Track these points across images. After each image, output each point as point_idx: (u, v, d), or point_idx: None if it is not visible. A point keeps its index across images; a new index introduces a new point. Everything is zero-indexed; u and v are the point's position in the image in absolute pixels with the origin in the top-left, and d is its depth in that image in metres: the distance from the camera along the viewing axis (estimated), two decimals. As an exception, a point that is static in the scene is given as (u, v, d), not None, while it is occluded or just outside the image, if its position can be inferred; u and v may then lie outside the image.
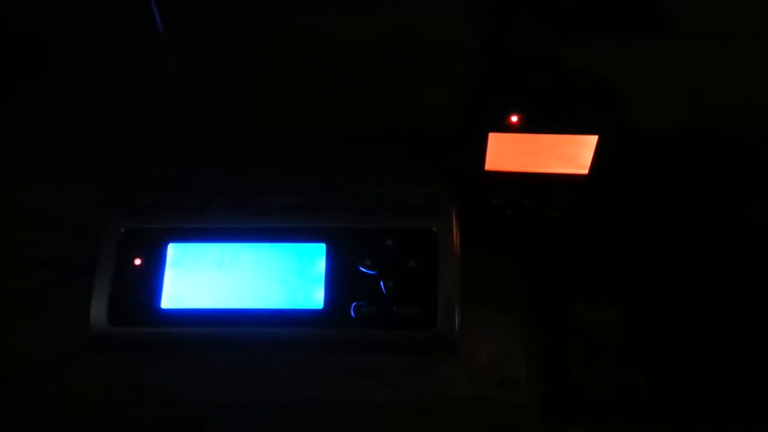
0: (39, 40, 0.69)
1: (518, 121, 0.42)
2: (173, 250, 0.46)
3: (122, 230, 0.46)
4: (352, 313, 0.44)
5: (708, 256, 0.49)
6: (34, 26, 0.71)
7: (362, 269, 0.45)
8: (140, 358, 0.46)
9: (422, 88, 0.60)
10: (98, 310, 0.44)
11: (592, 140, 0.42)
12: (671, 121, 0.58)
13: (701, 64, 0.64)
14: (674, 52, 0.66)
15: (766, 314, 0.46)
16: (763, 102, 0.60)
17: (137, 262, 0.45)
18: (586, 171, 0.44)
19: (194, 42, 0.64)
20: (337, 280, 0.45)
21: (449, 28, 0.63)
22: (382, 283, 0.44)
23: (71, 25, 0.70)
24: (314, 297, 0.44)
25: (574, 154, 0.43)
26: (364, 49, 0.65)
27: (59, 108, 0.63)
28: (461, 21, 0.55)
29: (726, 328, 0.46)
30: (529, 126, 0.42)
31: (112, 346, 0.45)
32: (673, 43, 0.67)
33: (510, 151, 0.44)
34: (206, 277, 0.45)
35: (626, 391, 0.43)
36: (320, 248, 0.45)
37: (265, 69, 0.64)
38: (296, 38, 0.68)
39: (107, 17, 0.70)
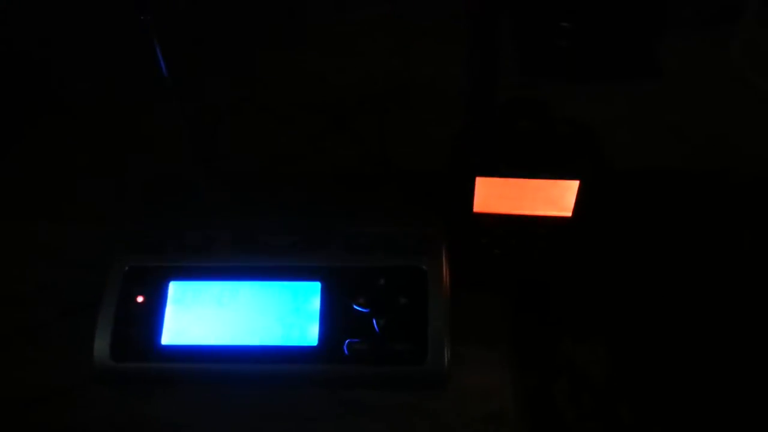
0: (46, 78, 0.72)
1: (503, 166, 0.44)
2: (174, 288, 0.48)
3: (126, 268, 0.48)
4: (345, 349, 0.45)
5: (690, 294, 0.51)
6: (44, 67, 0.74)
7: (356, 307, 0.46)
8: (141, 391, 0.47)
9: (416, 131, 0.63)
10: (101, 346, 0.46)
11: (574, 185, 0.44)
12: (656, 162, 0.60)
13: (686, 106, 0.66)
14: (660, 94, 0.68)
15: (750, 352, 0.48)
16: (744, 144, 0.62)
17: (140, 299, 0.47)
18: (569, 213, 0.46)
19: (198, 87, 0.67)
20: (331, 317, 0.46)
21: (442, 73, 0.66)
22: (374, 320, 0.46)
23: (80, 64, 0.73)
24: (309, 334, 0.46)
25: (557, 197, 0.45)
26: (360, 93, 0.68)
27: (66, 147, 0.66)
28: (454, 66, 0.58)
29: (710, 365, 0.47)
30: (514, 171, 0.44)
31: (113, 380, 0.46)
32: (660, 86, 0.69)
33: (497, 194, 0.46)
34: (205, 314, 0.47)
35: (611, 427, 0.44)
36: (315, 287, 0.47)
37: (265, 113, 0.67)
38: (295, 83, 0.70)
39: (117, 59, 0.73)
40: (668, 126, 0.64)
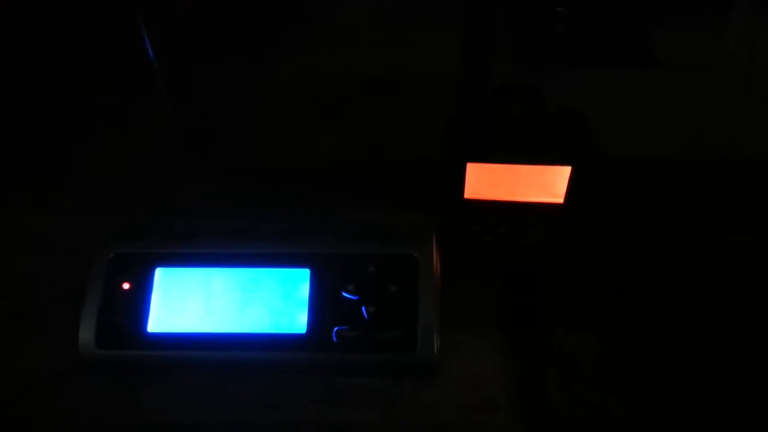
0: (43, 74, 0.71)
1: (495, 151, 0.43)
2: (160, 274, 0.47)
3: (111, 255, 0.47)
4: (334, 337, 0.45)
5: (680, 282, 0.50)
6: (40, 61, 0.73)
7: (345, 294, 0.46)
8: (127, 380, 0.47)
9: (409, 120, 0.62)
10: (86, 334, 0.45)
11: (566, 171, 0.43)
12: (649, 150, 0.60)
13: (680, 94, 0.66)
14: (654, 82, 0.68)
15: (738, 340, 0.48)
16: (736, 132, 0.62)
17: (126, 286, 0.47)
18: (561, 200, 0.45)
19: (192, 77, 0.66)
20: (320, 304, 0.46)
21: (435, 63, 0.66)
22: (363, 308, 0.45)
23: (77, 60, 0.72)
24: (298, 321, 0.45)
25: (549, 183, 0.44)
26: (353, 82, 0.67)
27: (61, 139, 0.65)
28: (446, 56, 0.57)
29: (697, 353, 0.47)
30: (505, 157, 0.43)
31: (99, 368, 0.46)
32: (653, 73, 0.69)
33: (488, 181, 0.45)
34: (192, 301, 0.46)
35: (600, 413, 0.44)
36: (304, 273, 0.47)
37: (260, 105, 0.66)
38: (288, 73, 0.70)
39: (110, 52, 0.72)
40: (661, 113, 0.64)
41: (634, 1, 0.69)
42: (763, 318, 0.48)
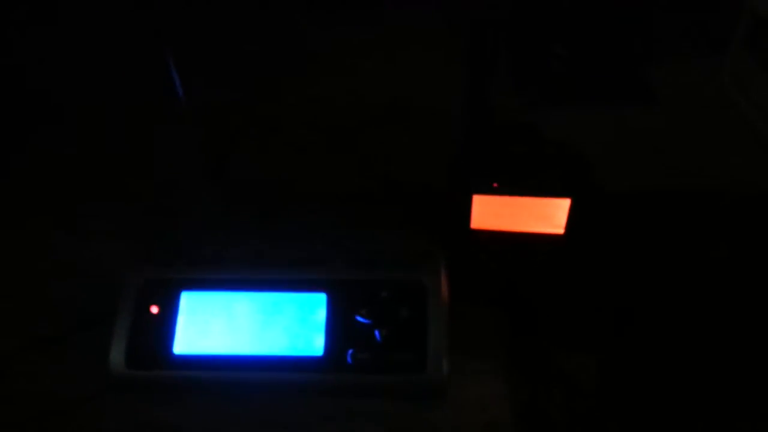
0: (58, 93, 0.75)
1: (498, 185, 0.46)
2: (186, 298, 0.50)
3: (141, 281, 0.51)
4: (349, 359, 0.48)
5: (677, 308, 0.53)
6: (57, 84, 0.77)
7: (359, 318, 0.49)
8: (154, 398, 0.49)
9: (417, 151, 0.66)
10: (117, 355, 0.48)
11: (566, 203, 0.46)
12: (646, 183, 0.63)
13: (677, 131, 0.69)
14: (652, 119, 0.71)
15: (735, 364, 0.50)
16: (732, 168, 0.64)
17: (154, 310, 0.50)
18: (561, 230, 0.48)
19: (209, 109, 0.70)
20: (335, 328, 0.48)
21: (440, 96, 0.69)
22: (376, 331, 0.48)
23: (94, 83, 0.77)
24: (315, 344, 0.48)
25: (550, 215, 0.48)
26: (363, 114, 0.71)
27: (79, 163, 0.68)
28: (450, 90, 0.61)
29: (695, 375, 0.49)
30: (508, 189, 0.47)
31: (128, 388, 0.49)
32: (651, 110, 0.72)
33: (493, 212, 0.48)
34: (216, 323, 0.49)
35: (601, 434, 0.46)
36: (321, 298, 0.50)
37: (275, 135, 0.70)
38: (300, 105, 0.73)
39: (134, 79, 0.76)
40: (659, 150, 0.67)
41: (628, 40, 0.73)
42: (759, 338, 0.50)
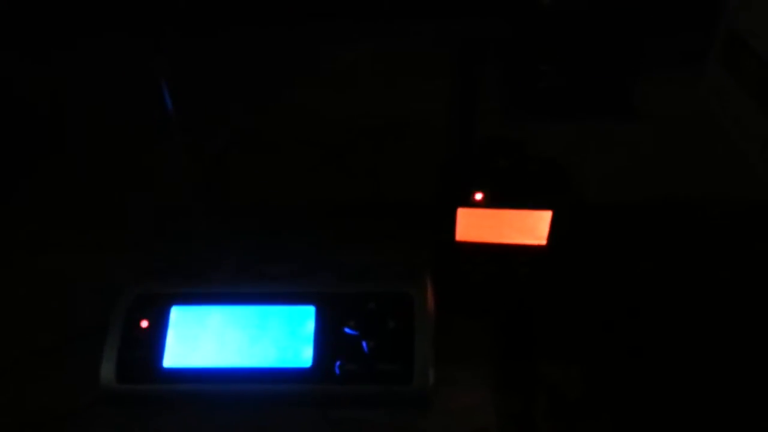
0: (56, 121, 0.77)
1: (482, 198, 0.48)
2: (175, 312, 0.51)
3: (131, 296, 0.51)
4: (337, 370, 0.48)
5: (657, 317, 0.54)
6: (50, 109, 0.79)
7: (347, 330, 0.50)
8: (144, 412, 0.50)
9: (406, 165, 0.67)
10: (107, 368, 0.49)
11: (547, 215, 0.48)
12: (626, 196, 0.65)
13: (657, 142, 0.71)
14: (634, 132, 0.73)
15: (715, 368, 0.51)
16: (711, 180, 0.66)
17: (144, 324, 0.50)
18: (544, 242, 0.49)
19: (200, 124, 0.71)
20: (324, 339, 0.49)
21: (432, 109, 0.71)
22: (364, 342, 0.49)
23: (88, 107, 0.78)
24: (303, 355, 0.49)
25: (532, 227, 0.49)
26: (353, 128, 0.72)
27: (77, 183, 0.69)
28: (439, 107, 0.62)
29: (677, 383, 0.50)
30: (491, 202, 0.48)
31: (119, 401, 0.49)
32: (633, 124, 0.74)
33: (477, 225, 0.49)
34: (205, 337, 0.50)
35: (585, 441, 0.47)
36: (309, 311, 0.50)
37: (264, 148, 0.71)
38: (292, 119, 0.75)
39: (122, 100, 0.77)
40: (639, 161, 0.69)
41: (614, 59, 0.75)
42: (744, 349, 0.52)
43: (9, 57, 0.85)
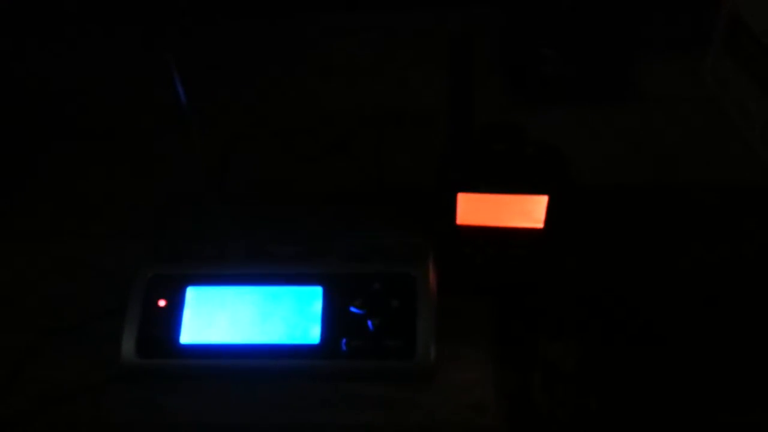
0: (68, 109, 0.79)
1: (482, 183, 0.50)
2: (191, 292, 0.54)
3: (149, 276, 0.54)
4: (344, 347, 0.51)
5: (651, 295, 0.56)
6: (65, 93, 0.81)
7: (353, 309, 0.52)
8: (161, 385, 0.53)
9: (408, 152, 0.69)
10: (128, 345, 0.52)
11: (544, 199, 0.49)
12: (625, 179, 0.66)
13: (658, 125, 0.72)
14: (636, 115, 0.74)
15: (706, 348, 0.53)
16: (707, 159, 0.67)
17: (161, 303, 0.53)
18: (541, 225, 0.51)
19: (211, 114, 0.73)
20: (331, 318, 0.52)
21: (430, 101, 0.72)
22: (369, 321, 0.52)
23: (100, 96, 0.80)
24: (311, 333, 0.52)
25: (530, 211, 0.51)
26: (356, 116, 0.74)
27: (94, 169, 0.72)
28: (439, 95, 0.64)
29: (668, 357, 0.52)
30: (490, 187, 0.50)
31: (138, 375, 0.52)
32: (636, 107, 0.75)
33: (476, 209, 0.51)
34: (219, 315, 0.53)
35: (580, 413, 0.50)
36: (317, 291, 0.53)
37: (273, 138, 0.73)
38: (297, 108, 0.77)
39: (135, 88, 0.80)
40: (642, 145, 0.70)
41: (614, 43, 0.76)
42: (735, 329, 0.54)
43: (23, 45, 0.88)
